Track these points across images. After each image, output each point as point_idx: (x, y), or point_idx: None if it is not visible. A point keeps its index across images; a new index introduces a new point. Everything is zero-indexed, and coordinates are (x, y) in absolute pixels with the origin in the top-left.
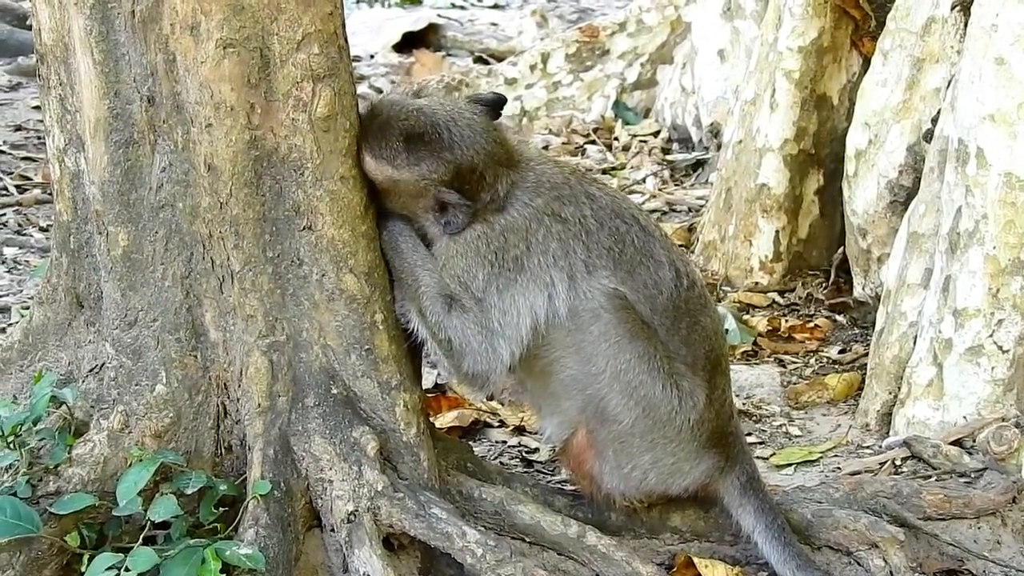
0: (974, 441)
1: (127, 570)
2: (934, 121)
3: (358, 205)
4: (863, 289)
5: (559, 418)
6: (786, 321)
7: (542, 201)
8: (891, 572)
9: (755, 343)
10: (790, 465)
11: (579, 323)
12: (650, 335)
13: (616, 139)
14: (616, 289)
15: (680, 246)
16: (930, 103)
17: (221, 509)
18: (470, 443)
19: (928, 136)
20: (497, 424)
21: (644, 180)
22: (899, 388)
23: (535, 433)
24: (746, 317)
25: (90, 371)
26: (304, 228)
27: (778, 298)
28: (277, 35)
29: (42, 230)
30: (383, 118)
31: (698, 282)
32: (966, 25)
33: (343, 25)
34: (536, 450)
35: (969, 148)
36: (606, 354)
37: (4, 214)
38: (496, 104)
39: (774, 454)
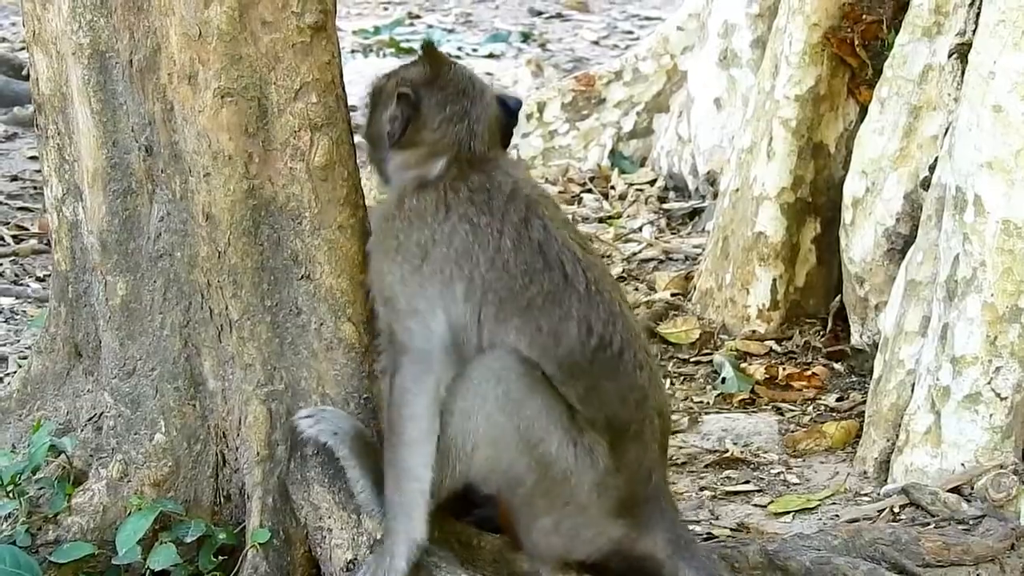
0: (972, 488)
1: None
2: (931, 169)
3: (356, 254)
4: (861, 337)
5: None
6: (784, 369)
7: (463, 196)
8: None
9: (753, 391)
10: (788, 513)
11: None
12: (548, 388)
13: (612, 188)
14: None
15: (676, 294)
16: (927, 151)
17: (220, 558)
18: None
19: (925, 184)
20: None
21: (641, 228)
22: (897, 435)
23: None
24: (743, 365)
25: (89, 420)
26: (302, 277)
27: (775, 346)
28: (275, 84)
29: (39, 280)
30: None
31: (617, 347)
32: (963, 73)
33: (340, 74)
34: None
35: (967, 195)
36: (494, 403)
37: (1, 264)
38: (514, 106)
39: (772, 502)
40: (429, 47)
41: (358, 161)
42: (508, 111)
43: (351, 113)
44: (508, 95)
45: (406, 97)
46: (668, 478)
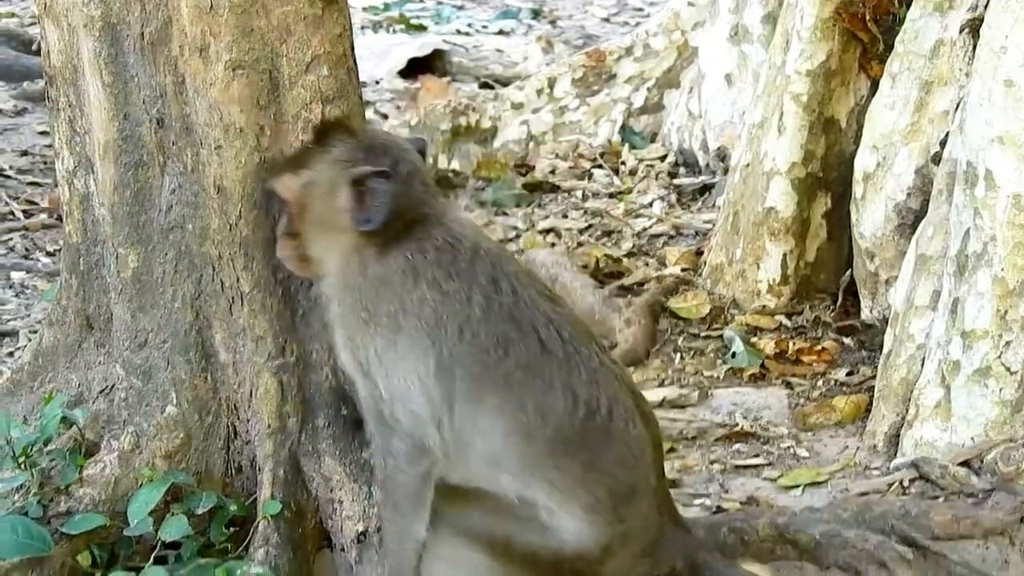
0: (982, 462)
1: None
2: (942, 143)
3: None
4: (871, 312)
5: None
6: (794, 344)
7: (430, 259)
8: None
9: (763, 365)
10: (798, 486)
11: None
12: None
13: (623, 163)
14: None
15: (686, 269)
16: (938, 125)
17: (232, 529)
18: None
19: (936, 159)
20: None
21: (651, 204)
22: (907, 410)
23: None
24: (754, 340)
25: (100, 392)
26: None
27: (786, 321)
28: (286, 57)
29: (49, 255)
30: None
31: (606, 409)
32: (975, 47)
33: (352, 47)
34: None
35: (978, 170)
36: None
37: (11, 239)
38: (419, 147)
39: (782, 475)
40: (327, 127)
41: None
42: (421, 154)
43: (362, 87)
44: (411, 137)
45: (365, 175)
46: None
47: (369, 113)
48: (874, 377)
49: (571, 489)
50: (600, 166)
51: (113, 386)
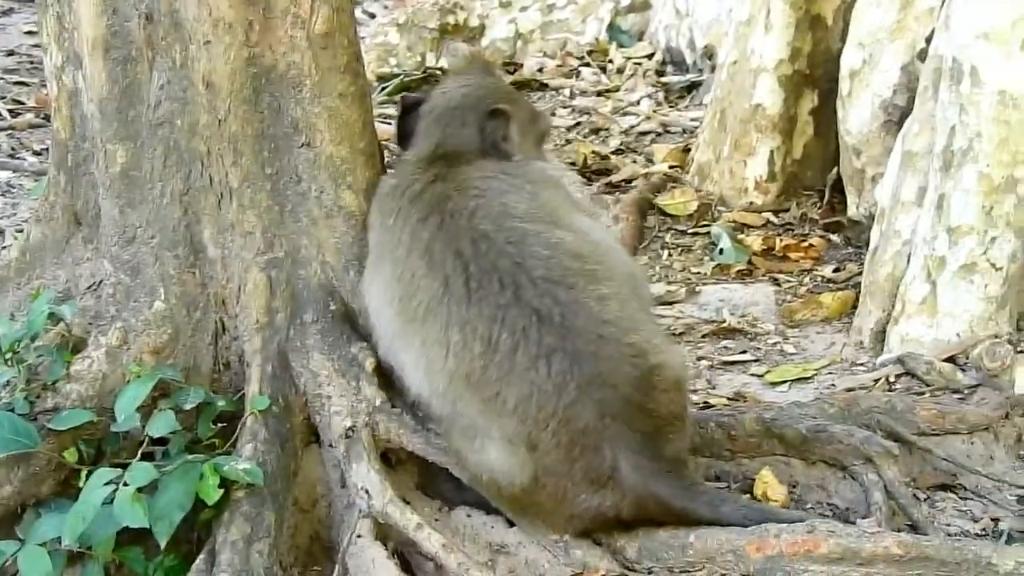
0: (967, 358)
1: (125, 485)
2: (928, 40)
3: (356, 122)
4: (857, 208)
5: None
6: (781, 240)
7: (385, 191)
8: (885, 486)
9: (750, 262)
10: (785, 382)
11: None
12: None
13: (610, 62)
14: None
15: (674, 167)
16: (924, 22)
17: (219, 425)
18: None
19: (922, 55)
20: None
21: (639, 102)
22: (893, 306)
23: None
24: (741, 236)
25: (88, 288)
26: (302, 145)
27: (773, 218)
28: None
29: (36, 154)
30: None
31: (509, 345)
32: None
33: None
34: None
35: (963, 66)
36: None
37: None
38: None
39: (769, 371)
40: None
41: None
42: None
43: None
44: (496, 114)
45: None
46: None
47: (357, 12)
48: (860, 273)
49: (481, 421)
50: (588, 64)
51: (101, 282)
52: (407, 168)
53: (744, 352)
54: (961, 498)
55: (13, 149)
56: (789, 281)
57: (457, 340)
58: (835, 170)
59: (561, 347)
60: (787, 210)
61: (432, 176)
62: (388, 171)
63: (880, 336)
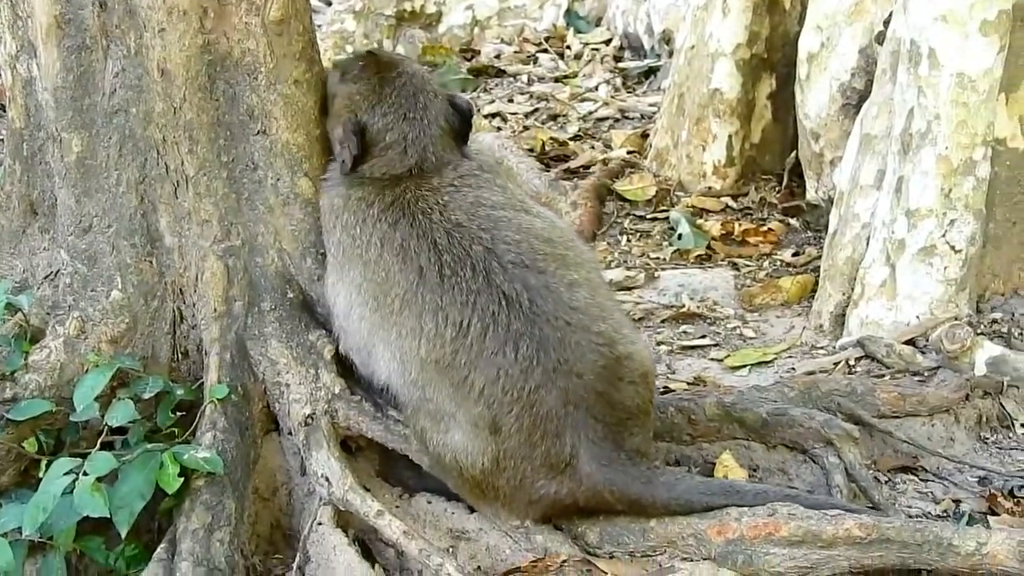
0: (927, 340)
1: (85, 474)
2: (886, 23)
3: (312, 109)
4: (816, 192)
5: None
6: (739, 225)
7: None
8: (846, 469)
9: (709, 247)
10: (745, 366)
11: None
12: None
13: (568, 48)
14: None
15: (632, 152)
16: (882, 5)
17: (178, 414)
18: None
19: (880, 38)
20: None
21: (596, 88)
22: (852, 289)
23: None
24: (699, 221)
25: (45, 278)
26: (258, 132)
27: (731, 202)
28: None
29: None
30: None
31: (478, 330)
32: None
33: None
34: None
35: (921, 49)
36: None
37: None
38: (465, 108)
39: (729, 356)
40: (372, 58)
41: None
42: (461, 113)
43: None
44: (458, 98)
45: (349, 133)
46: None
47: (313, 0)
48: (819, 257)
49: (449, 405)
50: (545, 51)
51: (58, 271)
52: (370, 183)
53: (704, 337)
54: (922, 480)
55: None
56: (748, 265)
57: (430, 327)
58: (793, 154)
59: (528, 332)
60: (746, 195)
61: (403, 187)
62: (333, 181)
63: (840, 319)
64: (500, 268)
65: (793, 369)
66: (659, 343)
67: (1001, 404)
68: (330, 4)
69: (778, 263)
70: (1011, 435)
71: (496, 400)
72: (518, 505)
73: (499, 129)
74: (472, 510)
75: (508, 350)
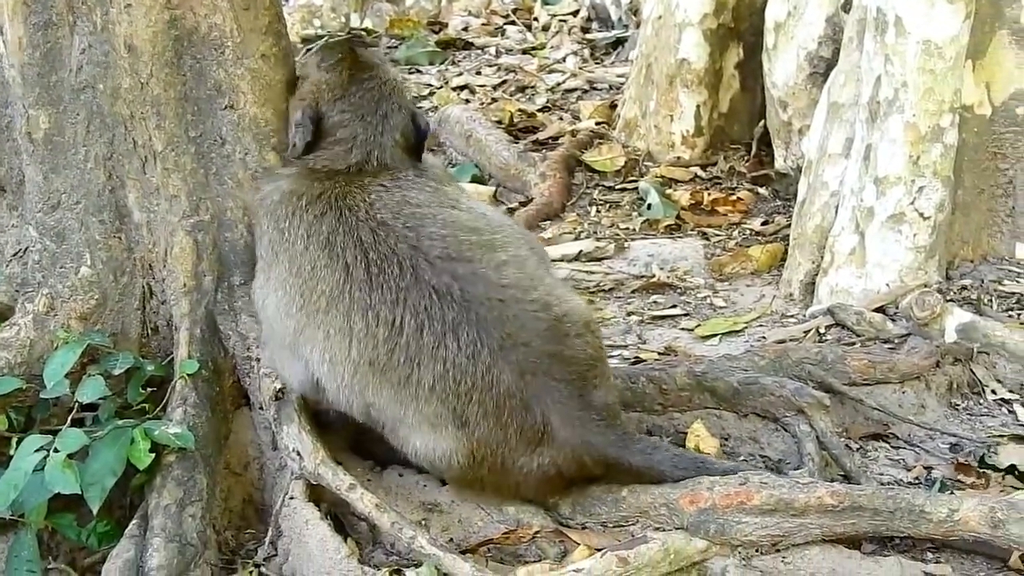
0: (897, 307)
1: (56, 451)
2: None
3: (279, 83)
4: (784, 161)
5: None
6: (709, 194)
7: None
8: (817, 437)
9: (678, 217)
10: (715, 336)
11: None
12: None
13: (535, 19)
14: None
15: (600, 123)
16: None
17: (149, 389)
18: None
19: (847, 6)
20: None
21: (564, 59)
22: (822, 257)
23: None
24: (669, 191)
25: (14, 255)
26: (226, 107)
27: (700, 172)
28: None
29: None
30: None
31: (413, 326)
32: None
33: None
34: None
35: (888, 16)
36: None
37: None
38: (424, 128)
39: (699, 325)
40: (352, 54)
41: None
42: (419, 130)
43: None
44: (421, 117)
45: (306, 117)
46: (589, 381)
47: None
48: (789, 226)
49: (395, 407)
50: (513, 22)
51: (27, 248)
52: (305, 176)
53: (674, 306)
54: (893, 447)
55: None
56: (718, 235)
57: (360, 327)
58: (762, 123)
59: (466, 319)
60: (714, 164)
61: (334, 182)
62: (268, 176)
63: (809, 288)
64: (428, 264)
65: (763, 338)
66: (629, 313)
67: (971, 370)
68: None
69: (747, 232)
70: (981, 401)
71: (451, 393)
72: (506, 490)
73: (467, 101)
74: (444, 482)
75: (449, 341)
